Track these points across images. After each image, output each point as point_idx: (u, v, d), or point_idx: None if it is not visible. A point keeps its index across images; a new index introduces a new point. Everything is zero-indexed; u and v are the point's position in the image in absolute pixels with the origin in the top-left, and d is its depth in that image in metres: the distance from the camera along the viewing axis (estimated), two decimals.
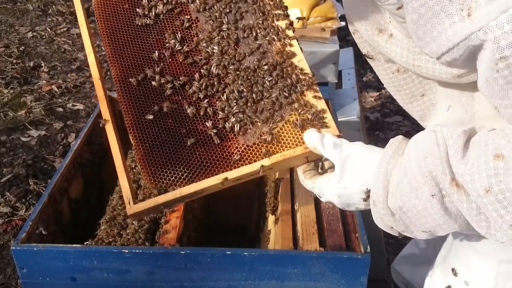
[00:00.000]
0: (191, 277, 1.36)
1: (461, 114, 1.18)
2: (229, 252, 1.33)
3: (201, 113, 1.31)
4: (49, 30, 5.49)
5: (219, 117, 1.30)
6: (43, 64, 4.77)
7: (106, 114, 1.37)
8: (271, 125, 1.27)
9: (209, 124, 1.30)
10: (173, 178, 1.21)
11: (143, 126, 1.29)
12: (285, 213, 1.58)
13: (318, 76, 2.52)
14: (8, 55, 4.90)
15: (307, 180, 1.21)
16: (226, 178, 1.20)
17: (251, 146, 1.26)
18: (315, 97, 1.30)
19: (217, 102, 1.33)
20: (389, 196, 1.02)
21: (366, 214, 1.60)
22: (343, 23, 2.59)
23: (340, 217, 1.50)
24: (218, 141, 1.27)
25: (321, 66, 2.50)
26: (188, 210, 1.63)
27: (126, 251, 1.33)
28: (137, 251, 1.34)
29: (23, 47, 5.09)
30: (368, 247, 1.33)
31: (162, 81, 1.35)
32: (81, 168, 1.81)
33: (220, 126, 1.30)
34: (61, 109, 4.08)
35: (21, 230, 1.39)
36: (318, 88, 1.31)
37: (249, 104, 1.31)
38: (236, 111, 1.30)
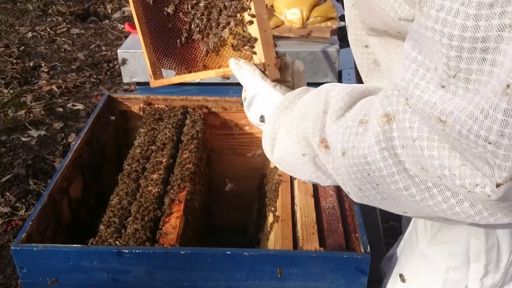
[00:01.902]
0: (191, 277, 1.36)
1: None
2: (229, 252, 1.33)
3: (173, 11, 1.35)
4: (49, 30, 5.50)
5: (187, 20, 1.33)
6: (43, 64, 4.77)
7: None
8: (216, 39, 1.28)
9: (181, 25, 1.34)
10: (170, 67, 1.40)
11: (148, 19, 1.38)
12: (285, 213, 1.58)
13: (318, 76, 2.54)
14: (8, 55, 4.90)
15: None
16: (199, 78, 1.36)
17: (208, 54, 1.31)
18: (250, 15, 1.20)
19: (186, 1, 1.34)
20: (274, 148, 1.08)
21: (366, 214, 1.60)
22: (343, 23, 2.59)
23: (340, 217, 1.51)
24: (184, 41, 1.35)
25: (321, 66, 2.50)
26: (188, 210, 1.63)
27: (126, 251, 1.34)
28: (137, 251, 1.34)
29: (23, 47, 5.10)
30: (368, 247, 1.34)
31: None
32: (81, 168, 1.81)
33: (187, 27, 1.33)
34: (61, 109, 4.08)
35: (21, 230, 1.39)
36: (251, 5, 1.19)
37: (205, 11, 1.30)
38: (194, 15, 1.32)
